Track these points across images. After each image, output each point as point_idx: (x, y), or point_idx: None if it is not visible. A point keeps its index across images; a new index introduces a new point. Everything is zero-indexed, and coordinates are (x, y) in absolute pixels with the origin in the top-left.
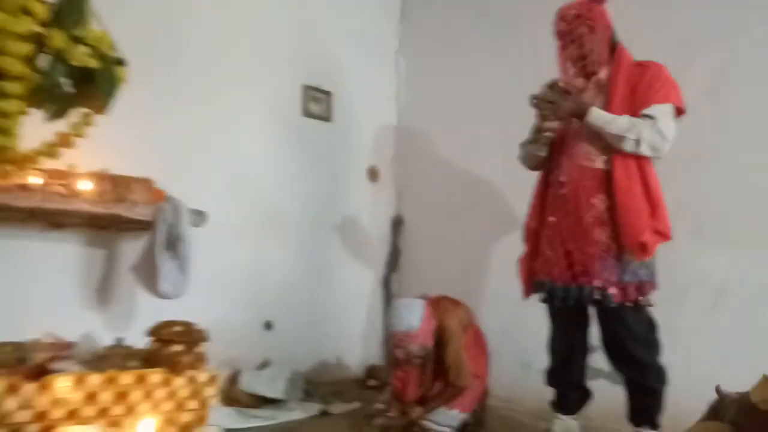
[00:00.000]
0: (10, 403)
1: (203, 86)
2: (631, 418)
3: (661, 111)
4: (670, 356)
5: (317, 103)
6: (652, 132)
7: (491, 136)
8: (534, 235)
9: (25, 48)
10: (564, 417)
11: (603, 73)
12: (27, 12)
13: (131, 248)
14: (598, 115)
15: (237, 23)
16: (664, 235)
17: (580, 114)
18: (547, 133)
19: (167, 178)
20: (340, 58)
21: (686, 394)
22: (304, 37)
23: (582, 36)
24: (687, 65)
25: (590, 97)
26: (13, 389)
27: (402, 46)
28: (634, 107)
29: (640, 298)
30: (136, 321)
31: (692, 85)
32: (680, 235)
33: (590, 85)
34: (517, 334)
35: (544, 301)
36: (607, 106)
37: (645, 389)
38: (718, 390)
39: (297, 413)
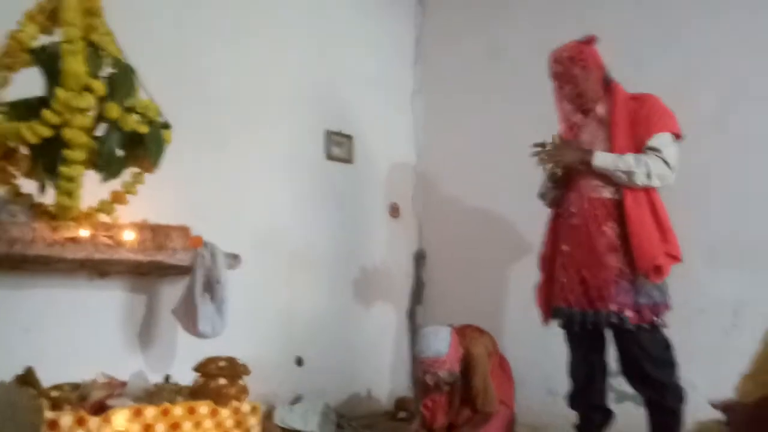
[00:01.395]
0: None
1: (231, 136)
2: None
3: (664, 141)
4: (690, 376)
5: (339, 146)
6: (658, 164)
7: (507, 170)
8: (548, 263)
9: (87, 120)
10: None
11: (600, 109)
12: (88, 89)
13: (171, 292)
14: (603, 158)
15: (261, 77)
16: (675, 258)
17: (585, 161)
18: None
19: (201, 224)
20: (359, 102)
21: (707, 412)
22: (325, 86)
23: (576, 76)
24: (693, 94)
25: (591, 132)
26: (80, 422)
27: (418, 87)
28: (637, 139)
29: (655, 319)
30: (177, 360)
31: (699, 113)
32: (695, 259)
33: (589, 121)
34: (541, 362)
35: (563, 326)
36: (610, 140)
37: (664, 409)
38: (712, 404)
39: None
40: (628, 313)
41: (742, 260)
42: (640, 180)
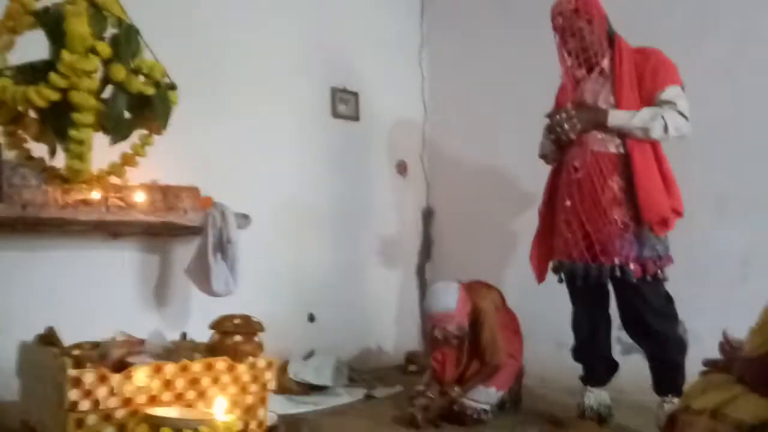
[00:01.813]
0: (101, 391)
1: (238, 96)
2: (657, 388)
3: (676, 93)
4: (698, 327)
5: (345, 104)
6: (674, 116)
7: (515, 125)
8: (544, 218)
9: (93, 83)
10: (594, 389)
11: (605, 63)
12: (94, 51)
13: (183, 252)
14: (618, 117)
15: (267, 36)
16: (678, 213)
17: (600, 122)
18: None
19: (211, 184)
20: (364, 59)
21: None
22: (330, 42)
23: (582, 29)
24: (700, 43)
25: (594, 87)
26: (102, 380)
27: (424, 42)
28: (644, 93)
29: (659, 272)
30: (191, 318)
31: (707, 62)
32: (704, 211)
33: (593, 76)
34: (549, 315)
35: (563, 281)
36: (615, 95)
37: (667, 361)
38: (725, 334)
39: (343, 398)
40: (632, 267)
41: (750, 211)
42: (657, 133)
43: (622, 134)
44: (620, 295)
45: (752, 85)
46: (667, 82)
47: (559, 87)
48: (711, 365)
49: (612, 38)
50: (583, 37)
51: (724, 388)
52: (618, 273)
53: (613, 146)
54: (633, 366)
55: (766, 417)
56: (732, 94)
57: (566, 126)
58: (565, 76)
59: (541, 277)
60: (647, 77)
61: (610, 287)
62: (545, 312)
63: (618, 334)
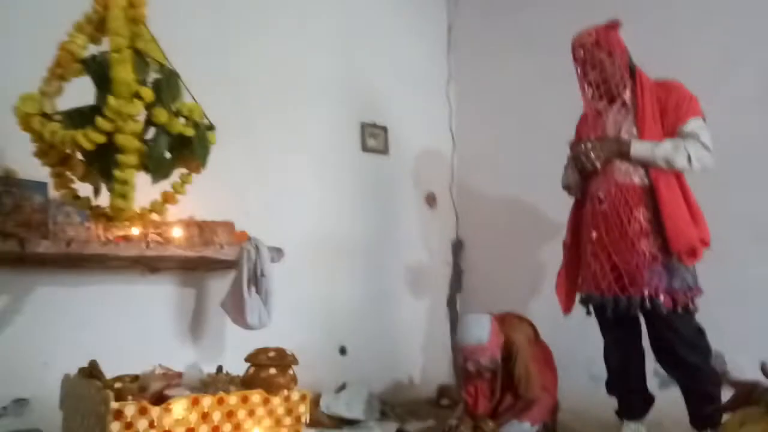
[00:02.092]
0: (142, 424)
1: (271, 133)
2: (693, 422)
3: (698, 125)
4: (740, 359)
5: (375, 138)
6: (697, 147)
7: (543, 155)
8: (569, 250)
9: (137, 126)
10: (632, 423)
11: (627, 95)
12: (138, 96)
13: (218, 286)
14: (640, 148)
15: (296, 72)
16: (706, 243)
17: (623, 152)
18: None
19: (245, 219)
20: (393, 93)
21: None
22: (359, 78)
23: (603, 61)
24: (734, 72)
25: (616, 119)
26: (142, 412)
27: (451, 76)
28: (667, 126)
29: (690, 303)
30: (227, 351)
31: (739, 91)
32: (740, 239)
33: (615, 107)
34: (582, 347)
35: (591, 313)
36: (638, 126)
37: (700, 393)
38: (763, 367)
39: None
40: (662, 297)
41: None
42: (680, 164)
43: (646, 165)
44: (651, 327)
45: None
46: (689, 115)
47: (579, 117)
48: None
49: (633, 71)
50: (604, 69)
51: (762, 420)
52: (648, 305)
53: (638, 177)
54: (671, 400)
55: None
56: (765, 121)
57: (592, 155)
58: (586, 107)
59: (567, 309)
60: (670, 110)
61: (641, 319)
62: (578, 344)
63: (654, 366)
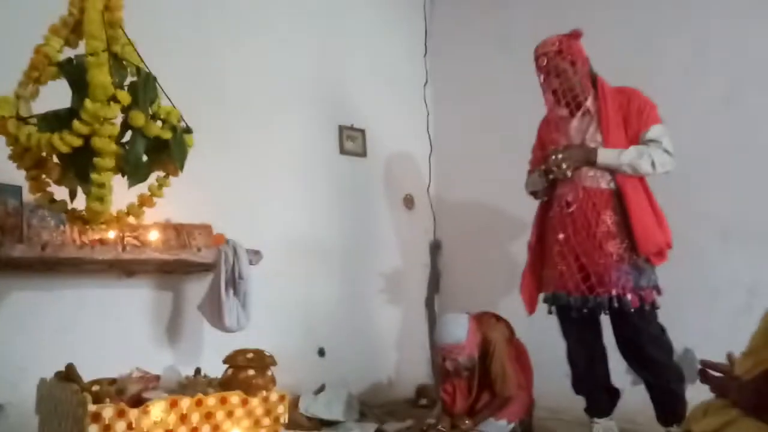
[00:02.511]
0: (120, 426)
1: (248, 136)
2: (660, 419)
3: (660, 131)
4: (704, 354)
5: (352, 140)
6: (662, 153)
7: (519, 157)
8: (532, 251)
9: (114, 129)
10: (601, 420)
11: (589, 103)
12: (115, 99)
13: (196, 289)
14: (606, 155)
15: (273, 75)
16: (669, 245)
17: (590, 161)
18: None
19: (223, 222)
20: (371, 96)
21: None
22: (336, 81)
23: (566, 71)
24: (704, 75)
25: (578, 126)
26: (120, 414)
27: (428, 79)
28: (630, 133)
29: (656, 300)
30: (204, 353)
31: (709, 92)
32: (709, 240)
33: (578, 115)
34: (558, 347)
35: (556, 312)
36: (603, 133)
37: (666, 390)
38: (729, 357)
39: None
40: (629, 296)
41: (755, 240)
42: (645, 169)
43: (612, 170)
44: (617, 326)
45: (754, 115)
46: (651, 121)
47: (541, 121)
48: (709, 367)
49: (594, 79)
50: (567, 78)
51: (723, 412)
52: (615, 304)
53: (605, 182)
54: (643, 397)
55: None
56: (733, 124)
57: (564, 166)
58: (549, 113)
59: (531, 309)
60: (632, 117)
61: (603, 317)
62: (554, 344)
63: (627, 365)
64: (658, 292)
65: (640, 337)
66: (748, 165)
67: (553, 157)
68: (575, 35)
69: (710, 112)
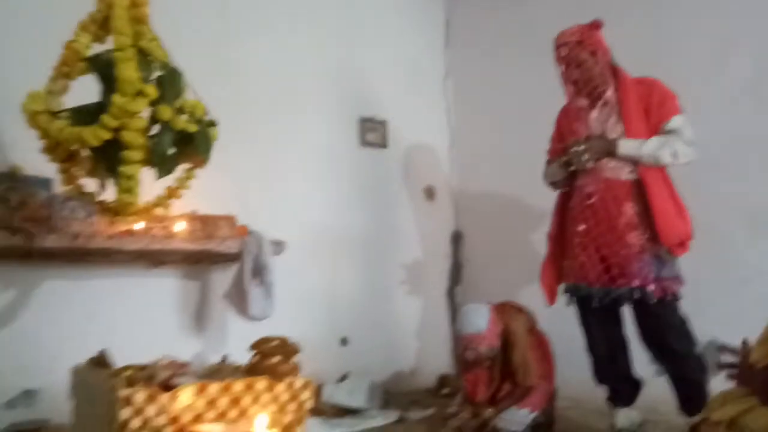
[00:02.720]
0: (150, 410)
1: (271, 129)
2: (682, 409)
3: (682, 122)
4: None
5: (374, 132)
6: (683, 144)
7: (539, 148)
8: (552, 242)
9: (142, 123)
10: (623, 409)
11: (609, 93)
12: (142, 94)
13: (221, 279)
14: (627, 146)
15: (295, 68)
16: (690, 235)
17: (611, 152)
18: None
19: (247, 213)
20: (391, 88)
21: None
22: (358, 73)
23: (586, 61)
24: (729, 61)
25: (599, 117)
26: (151, 399)
27: (449, 71)
28: (651, 123)
29: (678, 291)
30: (230, 342)
31: (735, 80)
32: (737, 229)
33: (598, 105)
34: (580, 338)
35: (577, 303)
36: (624, 125)
37: (688, 380)
38: (745, 343)
39: (377, 420)
40: (652, 287)
41: None
42: (666, 160)
43: (633, 161)
44: (639, 316)
45: None
46: (672, 112)
47: (560, 111)
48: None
49: (614, 70)
50: (587, 69)
51: (741, 400)
52: (637, 295)
53: (625, 173)
54: (666, 387)
55: None
56: (760, 110)
57: (586, 156)
58: (569, 104)
59: (551, 299)
60: (653, 108)
61: (624, 308)
62: (576, 334)
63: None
64: (681, 282)
65: (662, 328)
66: None
67: (574, 148)
68: (596, 25)
69: (737, 97)
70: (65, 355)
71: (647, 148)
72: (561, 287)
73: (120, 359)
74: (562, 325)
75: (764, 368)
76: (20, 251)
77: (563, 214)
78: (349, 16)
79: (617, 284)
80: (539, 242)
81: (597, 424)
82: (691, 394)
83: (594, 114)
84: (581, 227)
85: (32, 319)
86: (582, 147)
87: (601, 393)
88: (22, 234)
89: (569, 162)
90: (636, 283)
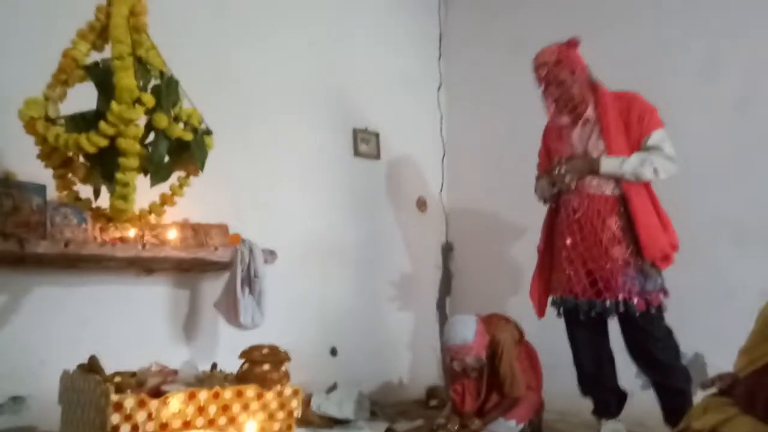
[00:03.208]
0: (141, 416)
1: (265, 139)
2: (667, 420)
3: (661, 137)
4: (716, 360)
5: (366, 143)
6: (663, 160)
7: (531, 161)
8: (541, 255)
9: (139, 131)
10: (609, 421)
11: (590, 111)
12: (139, 102)
13: (212, 287)
14: (609, 164)
15: (289, 79)
16: (675, 247)
17: (593, 170)
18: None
19: (239, 222)
20: (385, 99)
21: None
22: (351, 85)
23: (565, 80)
24: (717, 76)
25: (581, 134)
26: (141, 405)
27: (442, 82)
28: (632, 139)
29: (662, 302)
30: (219, 350)
31: (721, 96)
32: (720, 242)
33: (580, 123)
34: (569, 350)
35: (564, 315)
36: (605, 141)
37: (673, 391)
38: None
39: (365, 431)
40: (636, 300)
41: (767, 243)
42: (648, 176)
43: (615, 179)
44: (625, 328)
45: (767, 115)
46: (651, 127)
47: (544, 129)
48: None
49: (594, 86)
50: (567, 88)
51: (722, 410)
52: (622, 308)
53: (609, 189)
54: (652, 400)
55: None
56: (747, 126)
57: (568, 178)
58: (551, 122)
59: (541, 312)
60: (633, 123)
61: (612, 320)
62: (564, 346)
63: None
64: (665, 294)
65: (646, 339)
66: (761, 167)
67: (557, 171)
68: (573, 44)
69: (724, 113)
70: (54, 361)
71: (628, 165)
72: (550, 299)
73: (110, 366)
74: (550, 337)
75: (746, 377)
76: (12, 257)
77: (552, 228)
78: (343, 27)
79: (602, 297)
80: (529, 254)
81: None
82: (676, 404)
83: (576, 131)
84: (568, 241)
85: (22, 325)
86: (563, 169)
87: (588, 406)
88: (14, 239)
89: (553, 183)
90: (620, 296)
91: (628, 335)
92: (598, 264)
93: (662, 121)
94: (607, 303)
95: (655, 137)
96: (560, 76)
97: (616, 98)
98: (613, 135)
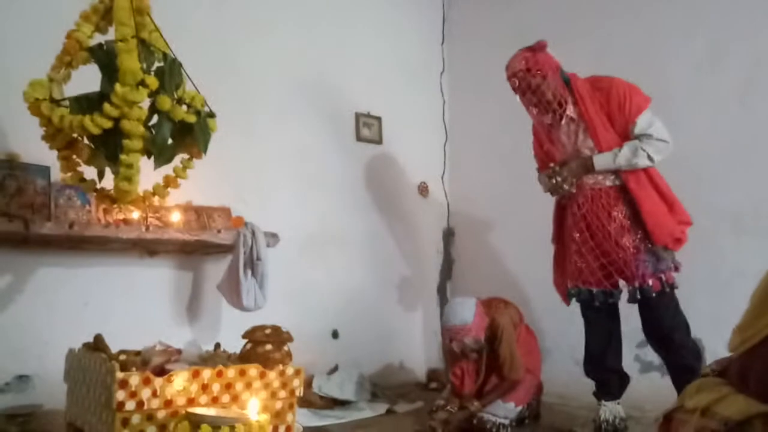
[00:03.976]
0: (145, 393)
1: (268, 122)
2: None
3: (648, 122)
4: (714, 345)
5: (369, 128)
6: (655, 142)
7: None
8: (556, 246)
9: (142, 113)
10: (609, 403)
11: (570, 109)
12: (143, 84)
13: (215, 269)
14: (602, 161)
15: (293, 63)
16: (687, 223)
17: (588, 170)
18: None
19: (242, 205)
20: (387, 84)
21: None
22: (354, 69)
23: (539, 86)
24: (717, 65)
25: (567, 132)
26: (146, 382)
27: (445, 68)
28: (618, 129)
29: (675, 278)
30: (222, 332)
31: (723, 85)
32: (721, 229)
33: (563, 122)
34: (567, 333)
35: (580, 300)
36: (593, 138)
37: (685, 368)
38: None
39: (366, 412)
40: (650, 282)
41: (766, 232)
42: (643, 164)
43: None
44: (642, 311)
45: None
46: (634, 113)
47: (533, 129)
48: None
49: (567, 83)
50: (542, 92)
51: (715, 389)
52: (638, 295)
53: (609, 180)
54: (651, 383)
55: (751, 413)
56: (747, 118)
57: (565, 186)
58: (537, 125)
59: (567, 301)
60: (615, 114)
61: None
62: (564, 330)
63: (637, 352)
64: (677, 269)
65: (660, 318)
66: (760, 158)
67: (554, 180)
68: (540, 47)
69: (724, 104)
70: (59, 341)
71: (621, 158)
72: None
73: (113, 346)
74: (550, 321)
75: (739, 357)
76: (17, 238)
77: (561, 219)
78: (346, 11)
79: (618, 288)
80: (530, 240)
81: (583, 418)
82: (686, 381)
83: (562, 131)
84: (577, 235)
85: (27, 305)
86: (559, 178)
87: (587, 388)
88: (20, 220)
89: (552, 192)
90: (636, 283)
91: (645, 316)
92: (611, 257)
93: (646, 97)
94: (623, 290)
95: (641, 123)
96: (533, 83)
97: (593, 89)
98: (600, 131)
